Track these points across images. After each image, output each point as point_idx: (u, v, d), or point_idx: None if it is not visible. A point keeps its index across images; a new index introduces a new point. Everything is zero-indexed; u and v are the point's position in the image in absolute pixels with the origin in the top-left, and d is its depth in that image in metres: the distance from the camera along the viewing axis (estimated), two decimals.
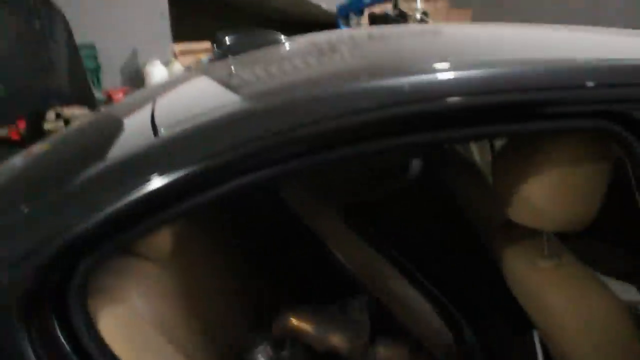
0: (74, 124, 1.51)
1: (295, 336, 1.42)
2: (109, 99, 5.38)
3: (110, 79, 6.25)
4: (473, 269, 1.85)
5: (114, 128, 1.18)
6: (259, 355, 1.29)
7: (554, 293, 1.10)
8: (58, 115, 3.24)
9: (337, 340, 1.55)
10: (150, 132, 0.99)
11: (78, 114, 3.22)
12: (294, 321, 1.54)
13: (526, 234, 1.23)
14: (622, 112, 0.93)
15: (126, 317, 1.02)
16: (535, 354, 1.53)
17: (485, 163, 2.10)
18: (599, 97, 0.97)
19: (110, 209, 0.88)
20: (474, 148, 2.16)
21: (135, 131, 1.11)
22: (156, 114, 1.09)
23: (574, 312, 1.08)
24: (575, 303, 1.09)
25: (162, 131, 0.98)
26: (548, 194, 1.07)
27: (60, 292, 0.90)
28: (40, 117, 3.32)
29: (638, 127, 0.92)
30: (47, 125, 3.31)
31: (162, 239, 1.17)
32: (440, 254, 1.97)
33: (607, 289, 1.07)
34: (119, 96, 5.46)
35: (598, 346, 1.08)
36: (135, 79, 6.32)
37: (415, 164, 2.40)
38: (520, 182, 1.10)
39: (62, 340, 0.91)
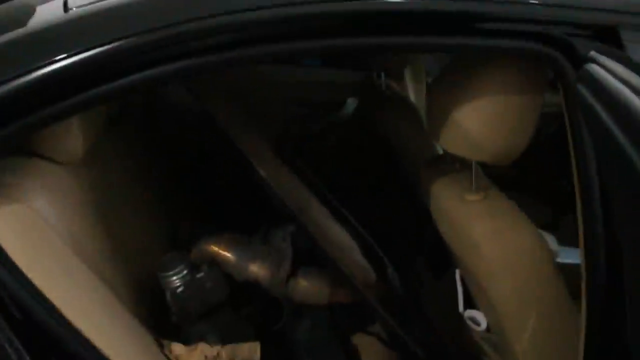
0: None
1: (214, 263, 1.34)
2: None
3: None
4: (400, 209, 1.86)
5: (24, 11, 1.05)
6: (174, 278, 1.21)
7: (479, 225, 1.08)
8: None
9: (256, 269, 1.48)
10: (61, 10, 0.87)
11: None
12: (213, 247, 1.46)
13: (454, 169, 1.21)
14: (562, 38, 0.87)
15: (25, 218, 0.91)
16: (455, 293, 1.53)
17: (420, 102, 2.07)
18: (541, 16, 0.90)
19: (16, 83, 0.77)
20: (409, 86, 2.11)
21: (46, 11, 0.98)
22: None
23: (498, 243, 1.05)
24: (499, 234, 1.07)
25: (74, 9, 0.87)
26: (480, 122, 1.04)
27: None
28: None
29: (577, 56, 0.86)
30: None
31: (73, 141, 1.06)
32: (368, 193, 1.95)
33: (531, 224, 1.07)
34: None
35: (518, 280, 1.06)
36: None
37: (350, 102, 2.40)
38: (453, 110, 1.06)
39: None
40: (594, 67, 0.75)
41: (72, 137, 1.04)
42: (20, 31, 0.87)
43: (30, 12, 0.96)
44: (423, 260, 1.72)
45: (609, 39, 0.87)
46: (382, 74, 2.03)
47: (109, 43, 0.82)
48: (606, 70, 0.70)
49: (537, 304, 1.05)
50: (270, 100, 2.19)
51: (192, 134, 1.77)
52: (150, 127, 1.63)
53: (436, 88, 1.22)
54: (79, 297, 0.94)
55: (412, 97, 2.07)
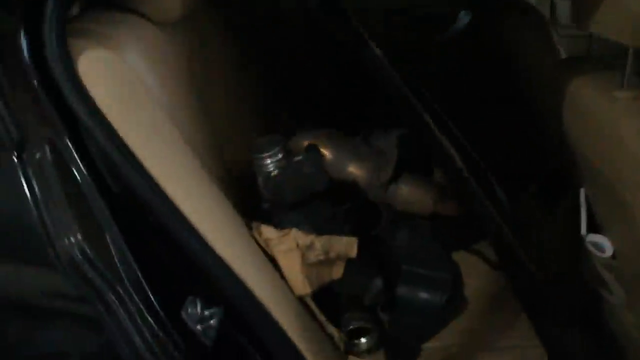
0: None
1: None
2: None
3: None
4: (514, 129, 1.70)
5: None
6: (269, 161, 1.12)
7: (630, 122, 0.94)
8: None
9: (355, 169, 1.38)
10: None
11: None
12: (311, 142, 1.36)
13: (597, 67, 1.09)
14: None
15: (113, 63, 0.82)
16: (575, 217, 1.37)
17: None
18: None
19: None
20: None
21: None
22: None
23: None
24: None
25: None
26: None
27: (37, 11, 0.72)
28: None
29: None
30: None
31: (170, 1, 0.97)
32: (480, 115, 1.83)
33: None
34: None
35: None
36: None
37: (463, 16, 2.20)
38: None
39: (32, 67, 0.73)
40: None
41: None
42: None
43: None
44: (538, 186, 1.55)
45: None
46: None
47: None
48: None
49: None
50: (375, 13, 2.06)
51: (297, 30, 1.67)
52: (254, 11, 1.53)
53: None
54: (167, 159, 0.86)
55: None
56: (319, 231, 1.08)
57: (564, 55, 1.45)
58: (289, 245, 1.01)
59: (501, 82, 1.70)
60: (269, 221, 1.09)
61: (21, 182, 0.73)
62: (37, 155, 0.74)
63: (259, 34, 1.50)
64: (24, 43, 0.74)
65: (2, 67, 0.73)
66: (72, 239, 0.74)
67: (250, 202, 1.16)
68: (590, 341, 1.26)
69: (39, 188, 0.73)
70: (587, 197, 1.17)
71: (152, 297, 0.77)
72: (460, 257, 1.41)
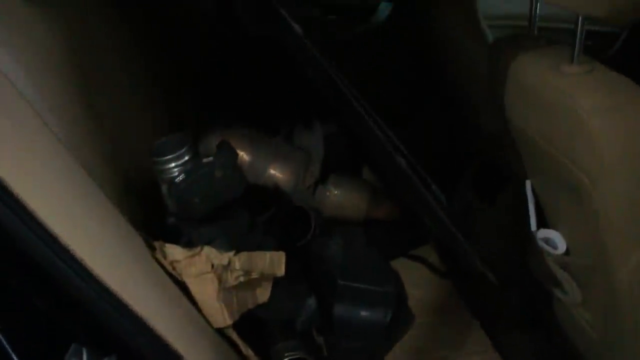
0: None
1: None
2: None
3: None
4: (442, 126, 1.66)
5: None
6: (173, 165, 0.93)
7: (585, 99, 0.86)
8: None
9: (277, 172, 1.23)
10: None
11: None
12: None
13: (538, 45, 1.00)
14: None
15: None
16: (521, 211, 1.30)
17: None
18: None
19: None
20: None
21: None
22: None
23: (613, 123, 0.85)
24: (615, 111, 0.86)
25: None
26: None
27: None
28: None
29: None
30: None
31: None
32: (406, 109, 1.74)
33: None
34: None
35: (634, 175, 0.86)
36: None
37: (383, 7, 2.14)
38: None
39: None
40: None
41: None
42: None
43: None
44: (469, 183, 1.51)
45: None
46: None
47: None
48: None
49: None
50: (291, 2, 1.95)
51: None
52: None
53: None
54: (44, 175, 0.69)
55: None
56: (238, 247, 0.90)
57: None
58: (201, 267, 0.83)
59: (427, 73, 1.64)
60: (177, 238, 0.91)
61: None
62: None
63: (160, 18, 1.33)
64: None
65: None
66: None
67: (156, 217, 0.98)
68: (544, 342, 1.23)
69: None
70: (533, 189, 1.10)
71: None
72: (400, 265, 1.32)
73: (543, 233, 1.08)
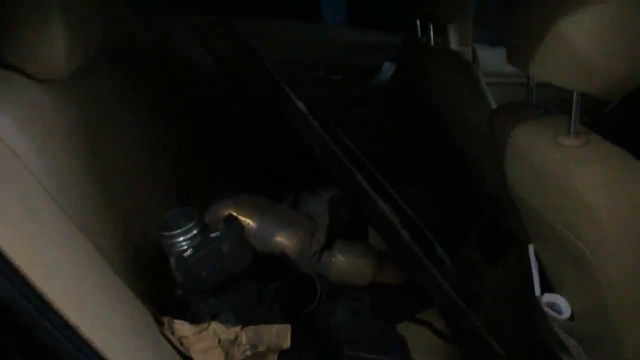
0: None
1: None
2: None
3: None
4: (447, 181, 1.69)
5: None
6: (181, 239, 0.95)
7: (582, 172, 0.88)
8: None
9: (283, 239, 1.25)
10: None
11: None
12: (230, 212, 1.21)
13: (536, 115, 1.01)
14: None
15: None
16: (525, 276, 1.30)
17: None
18: None
19: None
20: (452, 40, 1.94)
21: None
22: None
23: (610, 195, 0.86)
24: (612, 184, 0.87)
25: None
26: (592, 39, 0.83)
27: None
28: None
29: None
30: None
31: (56, 55, 0.85)
32: (411, 168, 1.80)
33: None
34: None
35: (635, 247, 0.86)
36: None
37: (387, 67, 2.19)
38: (554, 25, 0.84)
39: None
40: None
41: (55, 51, 0.86)
42: None
43: None
44: (474, 243, 1.50)
45: None
46: (429, 26, 1.81)
47: None
48: None
49: None
50: (298, 64, 1.98)
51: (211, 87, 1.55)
52: (162, 73, 1.40)
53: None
54: (49, 251, 0.70)
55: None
56: (245, 319, 0.92)
57: (493, 103, 1.40)
58: (209, 342, 0.84)
59: (431, 133, 1.65)
60: (185, 310, 0.92)
61: None
62: None
63: (168, 92, 1.37)
64: None
65: None
66: None
67: (165, 289, 0.99)
68: None
69: None
70: (536, 253, 1.10)
71: None
72: (406, 329, 1.30)
73: (547, 297, 1.07)
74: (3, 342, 0.63)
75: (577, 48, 0.83)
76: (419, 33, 1.90)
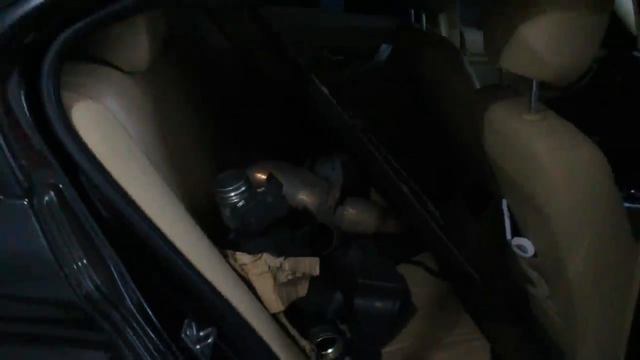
0: None
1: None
2: None
3: None
4: (436, 150, 1.89)
5: None
6: (233, 194, 1.21)
7: (539, 141, 1.08)
8: None
9: (305, 196, 1.50)
10: None
11: None
12: (261, 176, 1.47)
13: (508, 94, 1.21)
14: None
15: (101, 114, 0.91)
16: (502, 224, 1.53)
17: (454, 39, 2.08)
18: None
19: None
20: (443, 32, 2.13)
21: None
22: None
23: (559, 158, 1.05)
24: (561, 150, 1.06)
25: None
26: (546, 37, 1.02)
27: (33, 68, 0.80)
28: None
29: None
30: None
31: (140, 51, 1.05)
32: (405, 138, 1.98)
33: (591, 142, 1.05)
34: None
35: (578, 194, 1.05)
36: None
37: (384, 49, 2.39)
38: (517, 28, 1.05)
39: (31, 120, 0.82)
40: None
41: (140, 48, 1.04)
42: None
43: None
44: (461, 200, 1.73)
45: None
46: (422, 16, 2.03)
47: None
48: None
49: (594, 221, 1.05)
50: (303, 46, 2.19)
51: (243, 65, 1.77)
52: (205, 54, 1.63)
53: (499, 8, 1.20)
54: (153, 195, 0.94)
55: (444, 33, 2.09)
56: (284, 254, 1.18)
57: (477, 84, 1.60)
58: (262, 268, 1.11)
59: (423, 107, 1.85)
60: (236, 249, 1.18)
61: (34, 223, 0.81)
62: (45, 200, 0.82)
63: (212, 78, 1.60)
64: (24, 102, 0.82)
65: (8, 125, 0.81)
66: (81, 267, 0.82)
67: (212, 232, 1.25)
68: (523, 328, 1.41)
69: (49, 228, 0.81)
70: (508, 206, 1.30)
71: (154, 318, 0.86)
72: (405, 269, 1.55)
73: (516, 241, 1.25)
74: (144, 264, 0.90)
75: (533, 45, 1.02)
76: (413, 19, 2.13)
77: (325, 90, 1.35)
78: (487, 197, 1.45)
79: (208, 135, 1.49)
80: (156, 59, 1.14)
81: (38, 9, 0.78)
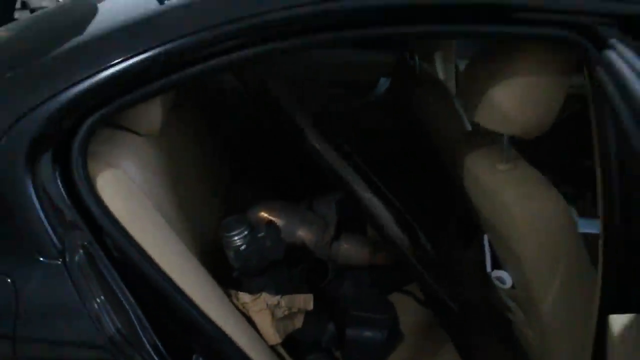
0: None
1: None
2: None
3: None
4: (430, 182, 1.96)
5: (112, 1, 1.21)
6: (237, 238, 1.35)
7: (510, 190, 1.18)
8: (24, 5, 3.13)
9: (303, 233, 1.64)
10: (155, 1, 1.03)
11: (46, 3, 3.11)
12: (264, 214, 1.62)
13: (486, 143, 1.29)
14: (587, 25, 0.98)
15: (121, 180, 1.07)
16: (483, 257, 1.66)
17: (449, 82, 2.19)
18: (569, 6, 1.00)
19: (118, 68, 0.94)
20: (439, 68, 2.22)
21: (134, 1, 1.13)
22: None
23: (527, 207, 1.14)
24: (528, 199, 1.15)
25: (167, 1, 1.02)
26: (513, 99, 1.12)
27: (65, 145, 0.96)
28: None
29: (601, 42, 0.96)
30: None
31: (153, 117, 1.19)
32: (402, 169, 2.03)
33: (556, 192, 1.14)
34: None
35: (545, 240, 1.14)
36: None
37: (383, 82, 2.50)
38: (488, 88, 1.17)
39: (63, 192, 0.98)
40: (611, 54, 0.88)
41: (153, 114, 1.16)
42: (114, 26, 1.02)
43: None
44: (453, 231, 1.82)
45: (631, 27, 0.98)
46: (415, 55, 2.15)
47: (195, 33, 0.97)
48: (621, 57, 0.83)
49: (561, 264, 1.13)
50: (309, 80, 2.32)
51: (244, 111, 1.92)
52: (207, 104, 1.78)
53: (472, 68, 1.33)
54: (165, 248, 1.10)
55: (441, 76, 2.18)
56: (282, 291, 1.33)
57: (467, 124, 1.68)
58: (261, 306, 1.26)
59: (418, 140, 1.95)
60: (239, 287, 1.33)
61: (67, 279, 0.97)
62: (76, 259, 0.98)
63: (217, 130, 1.76)
64: (58, 179, 0.98)
65: (45, 199, 0.97)
66: (105, 314, 0.98)
67: (218, 272, 1.38)
68: (506, 352, 1.50)
69: (80, 282, 0.97)
70: (489, 240, 1.41)
71: (167, 357, 1.02)
72: (395, 298, 1.67)
73: (496, 273, 1.35)
74: (158, 308, 1.06)
75: (503, 105, 1.12)
76: (408, 57, 2.26)
77: (319, 146, 1.49)
78: (475, 229, 1.52)
79: (216, 178, 1.65)
80: (168, 120, 1.29)
81: (71, 101, 0.94)
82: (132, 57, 0.96)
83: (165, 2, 1.02)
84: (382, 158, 1.91)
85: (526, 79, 1.11)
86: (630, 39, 0.94)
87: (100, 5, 1.21)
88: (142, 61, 0.96)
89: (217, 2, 1.02)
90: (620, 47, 0.86)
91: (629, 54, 0.81)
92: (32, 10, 3.21)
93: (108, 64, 0.95)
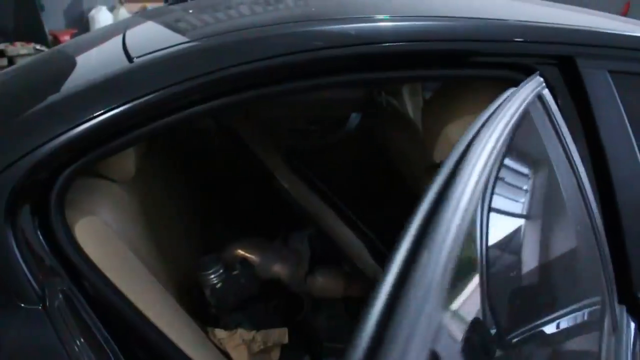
0: (30, 60, 1.56)
1: (245, 263, 1.56)
2: (55, 40, 5.26)
3: (53, 21, 6.07)
4: (401, 213, 2.06)
5: (84, 57, 1.28)
6: (213, 276, 1.42)
7: None
8: (1, 53, 3.19)
9: (279, 269, 1.71)
10: (125, 59, 1.10)
11: (24, 52, 3.18)
12: (241, 252, 1.69)
13: None
14: (529, 66, 1.10)
15: (97, 226, 1.13)
16: None
17: (417, 117, 2.27)
18: (515, 50, 1.13)
19: (91, 123, 1.00)
20: (407, 103, 2.31)
21: (105, 59, 1.21)
22: (127, 42, 1.19)
23: None
24: None
25: (136, 59, 1.09)
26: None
27: (43, 197, 1.02)
28: None
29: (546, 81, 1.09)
30: None
31: (128, 164, 1.26)
32: (373, 200, 2.15)
33: None
34: (65, 38, 5.35)
35: None
36: (78, 22, 6.18)
37: (354, 118, 2.59)
38: (444, 127, 1.26)
39: (42, 240, 1.04)
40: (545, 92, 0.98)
41: (126, 162, 1.23)
42: (96, 79, 1.09)
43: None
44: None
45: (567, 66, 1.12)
46: (382, 92, 2.25)
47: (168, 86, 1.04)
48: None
49: None
50: (282, 117, 2.41)
51: (216, 151, 2.00)
52: (181, 147, 1.86)
53: (429, 109, 1.43)
54: (142, 290, 1.15)
55: (409, 110, 2.27)
56: (258, 326, 1.39)
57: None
58: (237, 341, 1.32)
59: (386, 172, 2.04)
60: (216, 323, 1.40)
61: (47, 324, 1.02)
62: (56, 304, 1.03)
63: (190, 172, 1.83)
64: (37, 229, 1.03)
65: (24, 248, 1.02)
66: (84, 355, 1.02)
67: (196, 309, 1.45)
68: None
69: (59, 327, 1.02)
70: None
71: None
72: None
73: None
74: (136, 346, 1.11)
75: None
76: (376, 94, 2.35)
77: (288, 186, 1.56)
78: None
79: (191, 218, 1.71)
80: (142, 166, 1.35)
81: (48, 156, 1.00)
82: (104, 112, 1.02)
83: (135, 60, 1.08)
84: (354, 191, 2.00)
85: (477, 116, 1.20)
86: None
87: (78, 59, 1.28)
88: (113, 116, 1.02)
89: (184, 58, 1.09)
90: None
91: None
92: (10, 59, 3.28)
93: (82, 120, 1.02)
